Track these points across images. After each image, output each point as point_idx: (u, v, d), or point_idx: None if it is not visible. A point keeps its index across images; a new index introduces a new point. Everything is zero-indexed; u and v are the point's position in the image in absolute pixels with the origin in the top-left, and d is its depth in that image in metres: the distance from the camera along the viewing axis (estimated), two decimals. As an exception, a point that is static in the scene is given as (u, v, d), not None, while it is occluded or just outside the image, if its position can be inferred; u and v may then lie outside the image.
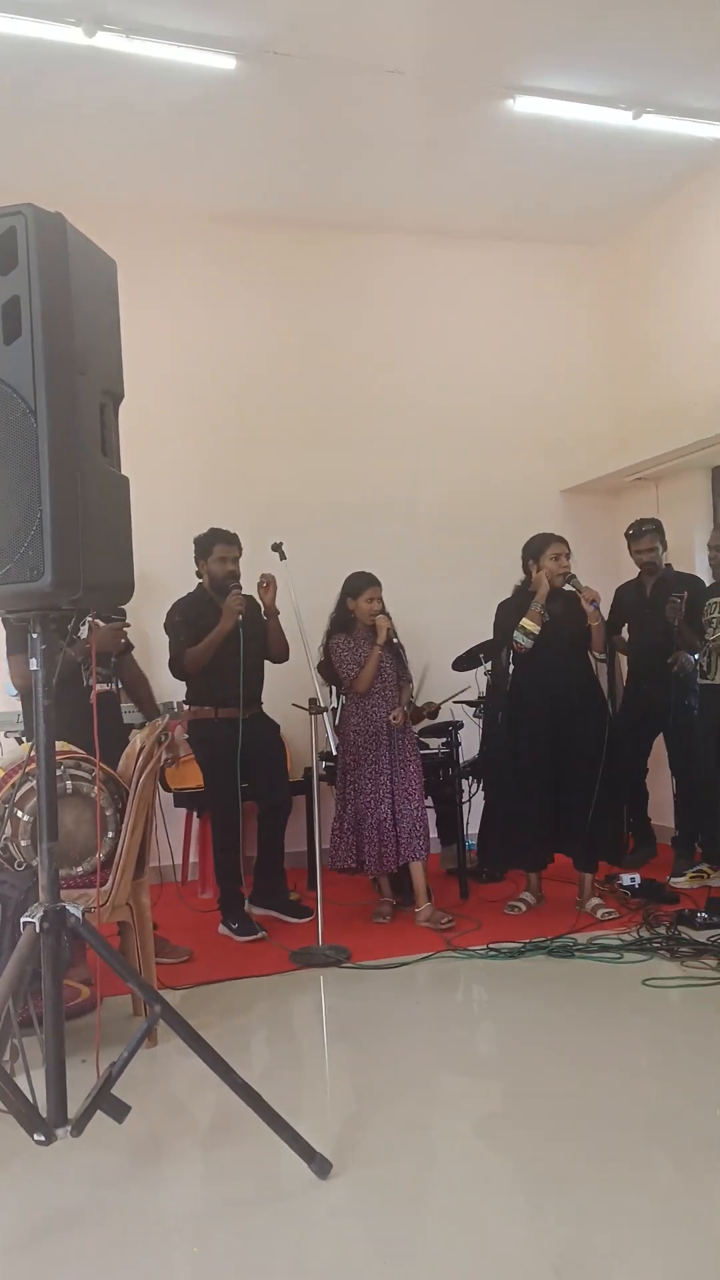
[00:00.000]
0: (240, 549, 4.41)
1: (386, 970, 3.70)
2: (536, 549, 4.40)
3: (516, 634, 4.31)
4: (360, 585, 4.43)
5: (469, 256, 6.28)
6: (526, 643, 4.29)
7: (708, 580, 4.98)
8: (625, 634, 5.39)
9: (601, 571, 5.65)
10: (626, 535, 5.28)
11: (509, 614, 4.41)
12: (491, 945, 3.89)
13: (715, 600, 4.68)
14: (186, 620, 4.27)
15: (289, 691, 4.66)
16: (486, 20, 4.24)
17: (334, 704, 4.66)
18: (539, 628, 4.28)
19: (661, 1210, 2.08)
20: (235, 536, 4.41)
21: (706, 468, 5.81)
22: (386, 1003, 3.42)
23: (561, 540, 4.39)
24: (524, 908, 4.38)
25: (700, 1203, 2.10)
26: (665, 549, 5.24)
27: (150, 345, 5.01)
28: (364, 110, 4.85)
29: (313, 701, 4.12)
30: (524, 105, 4.88)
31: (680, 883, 4.69)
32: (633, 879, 4.61)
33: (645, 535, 5.16)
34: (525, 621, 4.29)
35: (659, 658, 4.93)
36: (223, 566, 4.33)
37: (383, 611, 4.40)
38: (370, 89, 4.65)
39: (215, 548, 4.35)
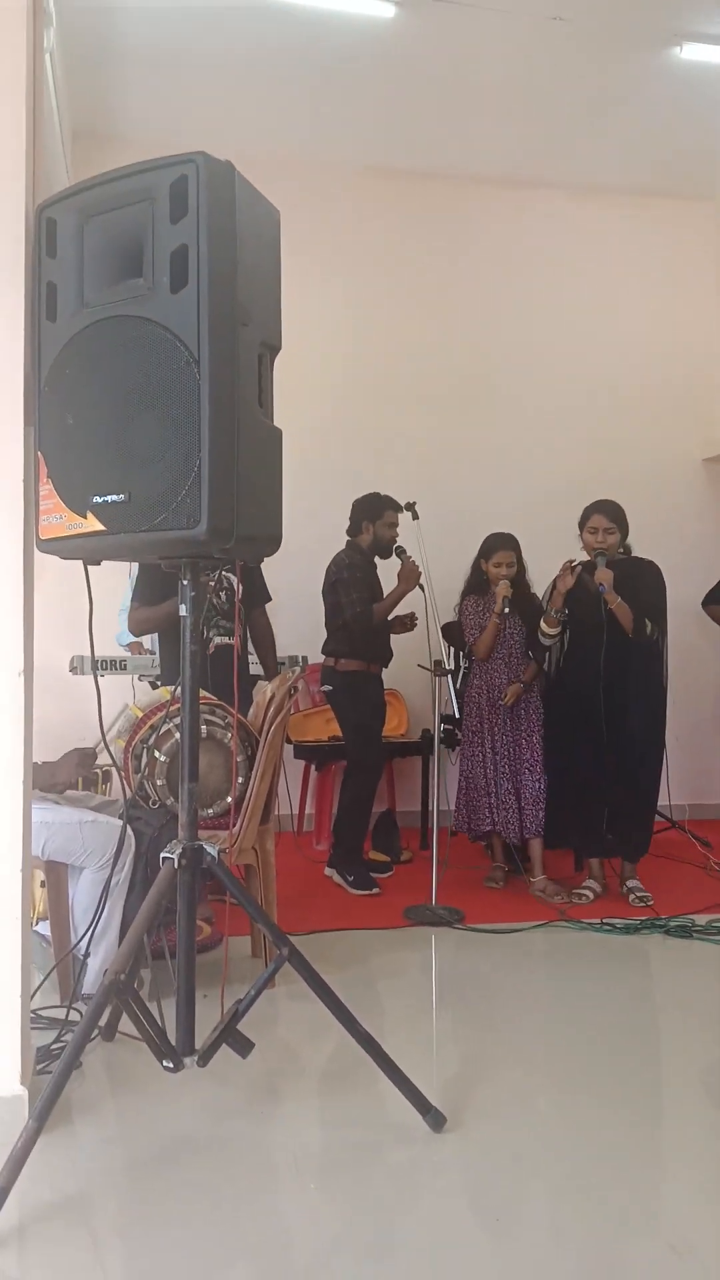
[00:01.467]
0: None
1: (499, 934, 3.70)
2: (582, 519, 4.20)
3: (539, 634, 4.21)
4: (492, 547, 4.36)
5: (619, 213, 6.08)
6: (547, 642, 4.22)
7: None
8: None
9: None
10: None
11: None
12: (606, 920, 3.85)
13: None
14: (364, 577, 4.34)
15: (412, 652, 4.66)
16: (657, -38, 4.05)
17: (450, 666, 4.61)
18: (557, 630, 4.15)
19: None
20: (400, 504, 4.44)
21: None
22: (499, 967, 3.43)
23: (603, 512, 4.12)
24: (591, 896, 4.16)
25: None
26: None
27: (295, 297, 5.02)
28: (522, 61, 4.71)
29: (437, 663, 4.11)
30: (690, 53, 4.66)
31: None
32: (755, 864, 4.48)
33: None
34: (543, 624, 4.17)
35: None
36: (390, 531, 4.42)
37: (508, 577, 4.28)
38: (530, 38, 4.50)
39: (386, 513, 4.42)
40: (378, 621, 4.30)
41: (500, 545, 4.35)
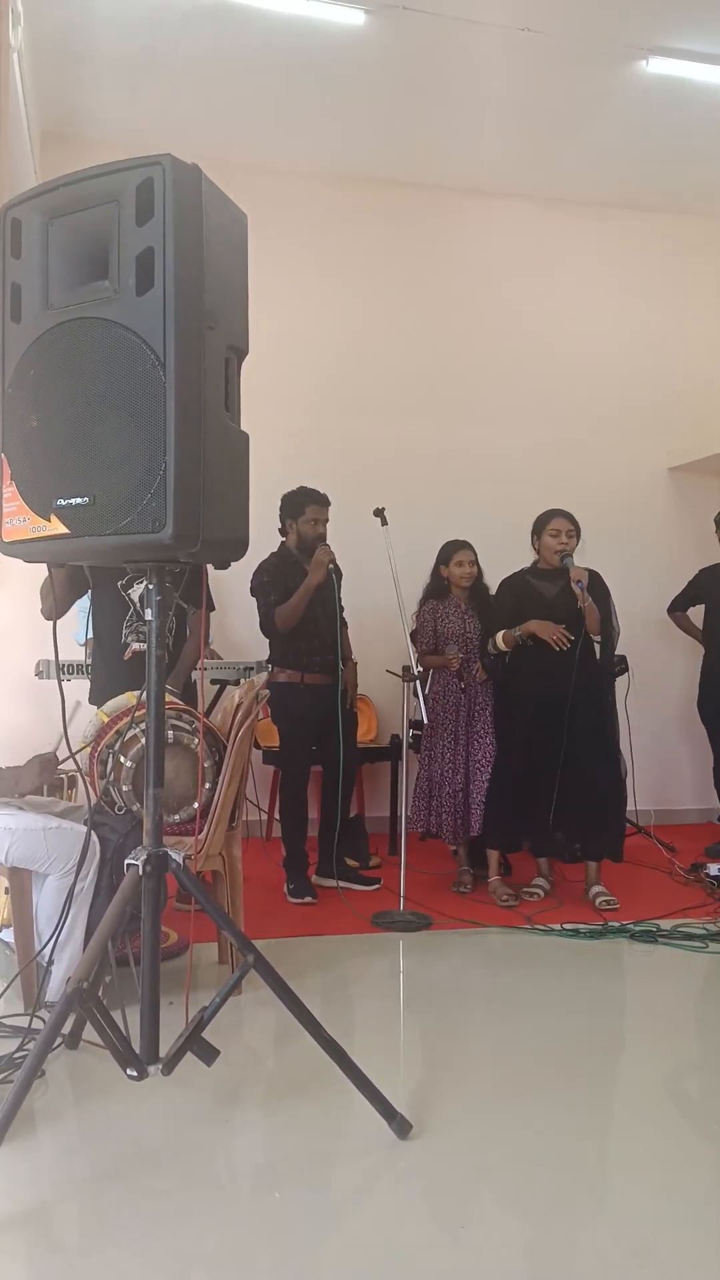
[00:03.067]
0: (328, 510, 4.33)
1: (466, 939, 3.71)
2: (539, 525, 4.28)
3: (489, 643, 4.25)
4: (450, 551, 4.41)
5: (587, 225, 6.13)
6: (494, 653, 4.25)
7: None
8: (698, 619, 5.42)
9: (708, 554, 5.51)
10: (716, 521, 5.20)
11: (506, 595, 4.30)
12: (567, 924, 3.86)
13: None
14: (275, 580, 4.23)
15: (382, 658, 4.66)
16: (624, -24, 4.10)
17: (418, 672, 4.59)
18: (508, 650, 4.18)
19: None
20: (326, 497, 4.31)
21: None
22: (465, 972, 3.43)
23: (564, 516, 4.22)
24: (540, 893, 4.26)
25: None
26: None
27: (260, 302, 5.03)
28: (492, 71, 4.75)
29: (406, 669, 4.12)
30: (656, 66, 4.72)
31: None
32: (720, 869, 4.53)
33: None
34: (499, 638, 4.20)
35: None
36: (313, 529, 4.24)
37: (471, 575, 4.35)
38: (500, 48, 4.54)
39: (308, 508, 4.25)
40: (284, 625, 4.16)
41: (458, 547, 4.40)
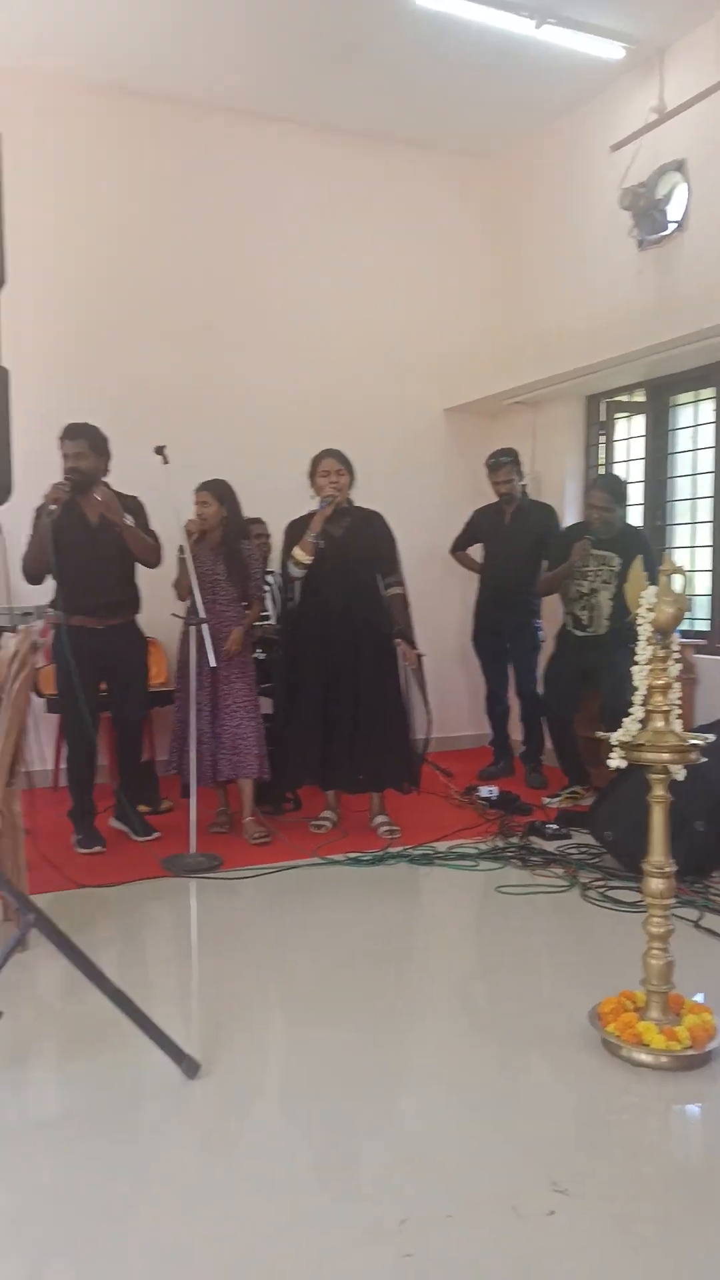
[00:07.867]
0: (90, 440, 4.10)
1: (256, 878, 3.79)
2: (312, 465, 4.34)
3: (289, 564, 4.32)
4: (197, 492, 4.34)
5: (362, 158, 6.10)
6: (298, 572, 4.30)
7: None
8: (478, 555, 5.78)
9: (480, 492, 5.75)
10: (486, 465, 5.47)
11: (294, 536, 4.34)
12: (350, 854, 4.03)
13: (596, 552, 4.79)
14: (40, 520, 4.05)
15: (169, 600, 4.56)
16: None
17: (204, 615, 4.52)
18: (310, 558, 4.25)
19: (517, 1104, 2.25)
20: (81, 428, 4.09)
21: (582, 395, 5.93)
22: (256, 909, 3.53)
23: (333, 456, 4.30)
24: (329, 825, 4.41)
25: (542, 1095, 2.29)
26: (522, 477, 5.52)
27: (23, 223, 4.70)
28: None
29: (191, 611, 4.08)
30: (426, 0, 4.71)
31: (555, 803, 4.79)
32: (490, 791, 4.84)
33: (503, 467, 5.42)
34: (296, 551, 4.27)
35: (511, 583, 5.36)
36: (65, 464, 4.09)
37: (203, 515, 4.26)
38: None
39: (62, 444, 4.10)
40: (26, 569, 4.11)
41: (200, 488, 4.32)
